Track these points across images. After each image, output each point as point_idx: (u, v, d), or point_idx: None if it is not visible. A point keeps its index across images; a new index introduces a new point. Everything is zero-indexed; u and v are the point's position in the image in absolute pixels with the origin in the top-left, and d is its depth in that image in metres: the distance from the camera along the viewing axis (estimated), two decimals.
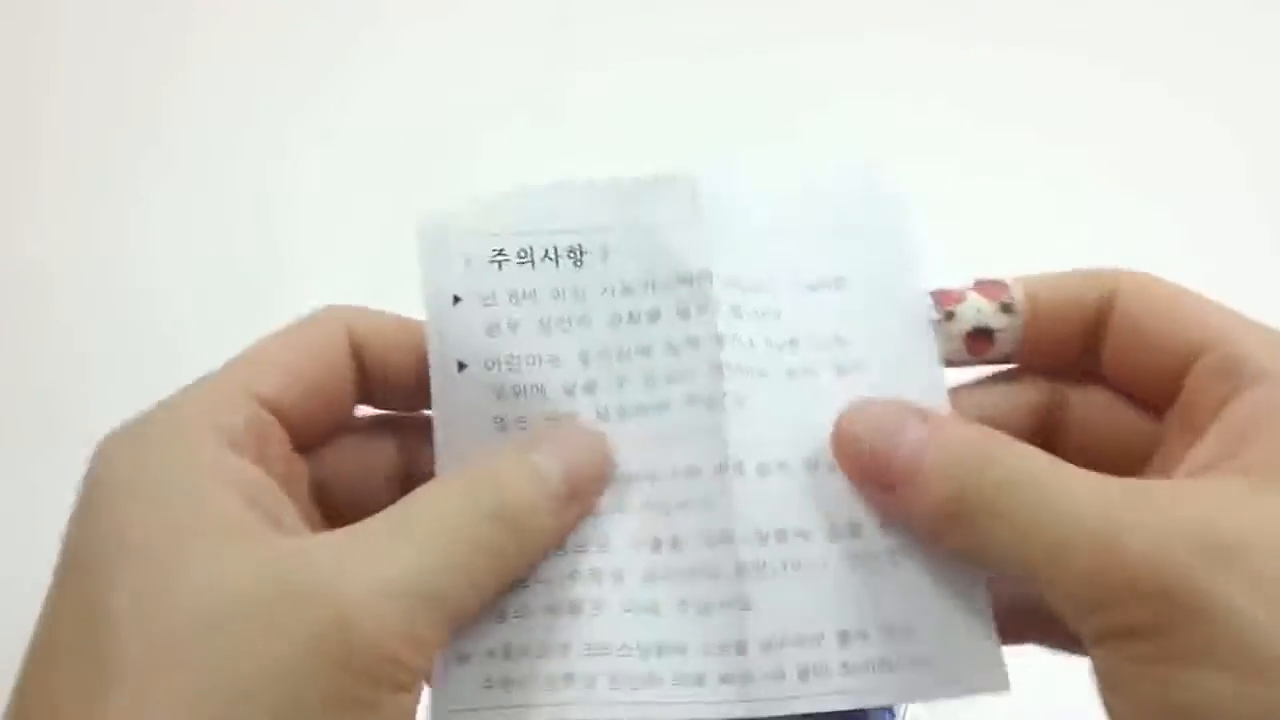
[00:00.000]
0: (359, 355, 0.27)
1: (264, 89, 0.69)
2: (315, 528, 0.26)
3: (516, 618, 0.26)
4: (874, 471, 0.25)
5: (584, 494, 0.26)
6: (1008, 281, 0.28)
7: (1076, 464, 0.24)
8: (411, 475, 0.28)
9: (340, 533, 0.23)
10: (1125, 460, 0.27)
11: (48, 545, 0.22)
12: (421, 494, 0.24)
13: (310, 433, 0.27)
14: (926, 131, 0.64)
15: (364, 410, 0.29)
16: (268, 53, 0.71)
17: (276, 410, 0.25)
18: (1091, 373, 0.28)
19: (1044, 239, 0.58)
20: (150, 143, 0.67)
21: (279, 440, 0.25)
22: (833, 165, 0.29)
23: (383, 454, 0.28)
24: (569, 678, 0.25)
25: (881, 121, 0.65)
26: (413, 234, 0.28)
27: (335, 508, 0.27)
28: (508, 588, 0.25)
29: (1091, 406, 0.28)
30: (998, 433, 0.24)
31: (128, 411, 0.24)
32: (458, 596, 0.23)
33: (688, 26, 0.70)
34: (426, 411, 0.28)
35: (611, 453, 0.27)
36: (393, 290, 0.27)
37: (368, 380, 0.27)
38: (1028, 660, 0.26)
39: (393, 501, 0.26)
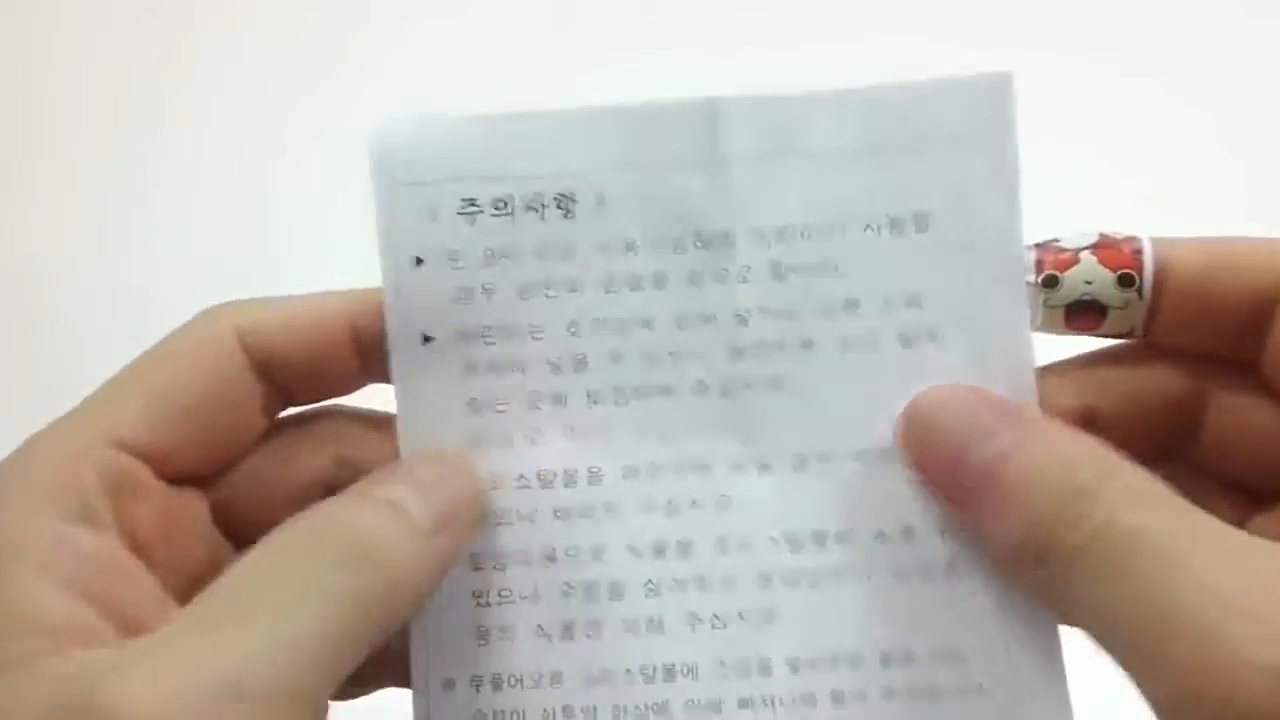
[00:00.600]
0: (259, 355, 0.23)
1: (264, 89, 0.69)
2: (218, 567, 0.22)
3: (502, 640, 0.23)
4: (940, 477, 0.21)
5: (453, 525, 0.22)
6: (1141, 243, 0.22)
7: (1207, 478, 0.21)
8: (348, 479, 0.23)
9: (165, 632, 0.19)
10: (1270, 482, 0.22)
11: None
12: (244, 563, 0.20)
13: (208, 459, 0.23)
14: None
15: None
16: (268, 52, 0.71)
17: (144, 452, 0.22)
18: (1242, 363, 0.22)
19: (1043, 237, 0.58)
20: (150, 143, 0.67)
21: (148, 489, 0.22)
22: (925, 79, 0.23)
23: (308, 460, 0.24)
24: (568, 711, 0.23)
25: None
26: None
27: (257, 532, 0.23)
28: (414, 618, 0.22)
29: (1237, 409, 0.22)
30: (1109, 455, 0.20)
31: None
32: (317, 682, 0.19)
33: (688, 26, 0.70)
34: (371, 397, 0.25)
35: (480, 481, 0.23)
36: None
37: (279, 380, 0.24)
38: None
39: None
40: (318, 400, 0.25)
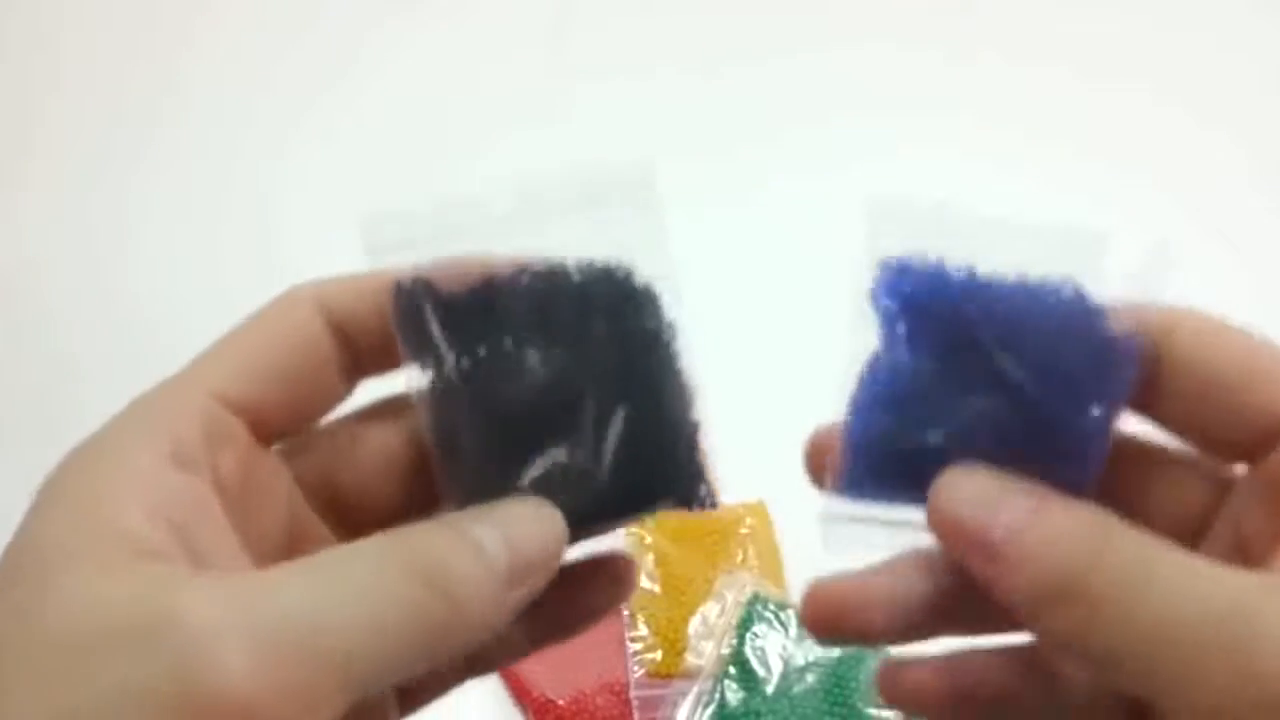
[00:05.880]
0: (341, 329, 0.25)
1: (262, 92, 0.69)
2: (299, 531, 0.25)
3: None
4: (973, 538, 0.23)
5: (527, 581, 0.23)
6: None
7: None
8: (422, 457, 0.26)
9: (241, 572, 0.22)
10: (1176, 533, 0.24)
11: None
12: (346, 545, 0.22)
13: (292, 423, 0.25)
14: (925, 139, 0.64)
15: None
16: (267, 57, 0.71)
17: (242, 408, 0.24)
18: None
19: None
20: (147, 145, 0.67)
21: (240, 443, 0.24)
22: None
23: (382, 435, 0.26)
24: None
25: (882, 127, 0.65)
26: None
27: (343, 501, 0.26)
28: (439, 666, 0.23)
29: (1144, 471, 0.25)
30: (1111, 516, 0.22)
31: None
32: (364, 656, 0.20)
33: (685, 38, 0.71)
34: None
35: (564, 532, 0.24)
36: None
37: (354, 343, 0.26)
38: None
39: (405, 488, 0.26)
40: (391, 366, 0.26)
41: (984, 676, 0.25)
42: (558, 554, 0.24)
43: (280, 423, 0.25)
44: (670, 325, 0.25)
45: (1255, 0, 0.71)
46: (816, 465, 0.26)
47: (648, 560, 0.51)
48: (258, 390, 0.24)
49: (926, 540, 0.24)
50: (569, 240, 0.25)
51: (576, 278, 0.25)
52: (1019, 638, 0.25)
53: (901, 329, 0.24)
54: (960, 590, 0.24)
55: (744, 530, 0.52)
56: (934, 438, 0.24)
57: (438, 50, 0.71)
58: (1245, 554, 0.23)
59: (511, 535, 0.23)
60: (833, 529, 0.25)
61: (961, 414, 0.24)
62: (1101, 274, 0.24)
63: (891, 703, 0.26)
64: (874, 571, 0.25)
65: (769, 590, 0.49)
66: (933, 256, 0.24)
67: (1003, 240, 0.24)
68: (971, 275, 0.24)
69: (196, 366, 0.24)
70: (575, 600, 0.26)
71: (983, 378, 0.24)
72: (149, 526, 0.21)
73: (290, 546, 0.25)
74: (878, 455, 0.25)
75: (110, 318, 0.60)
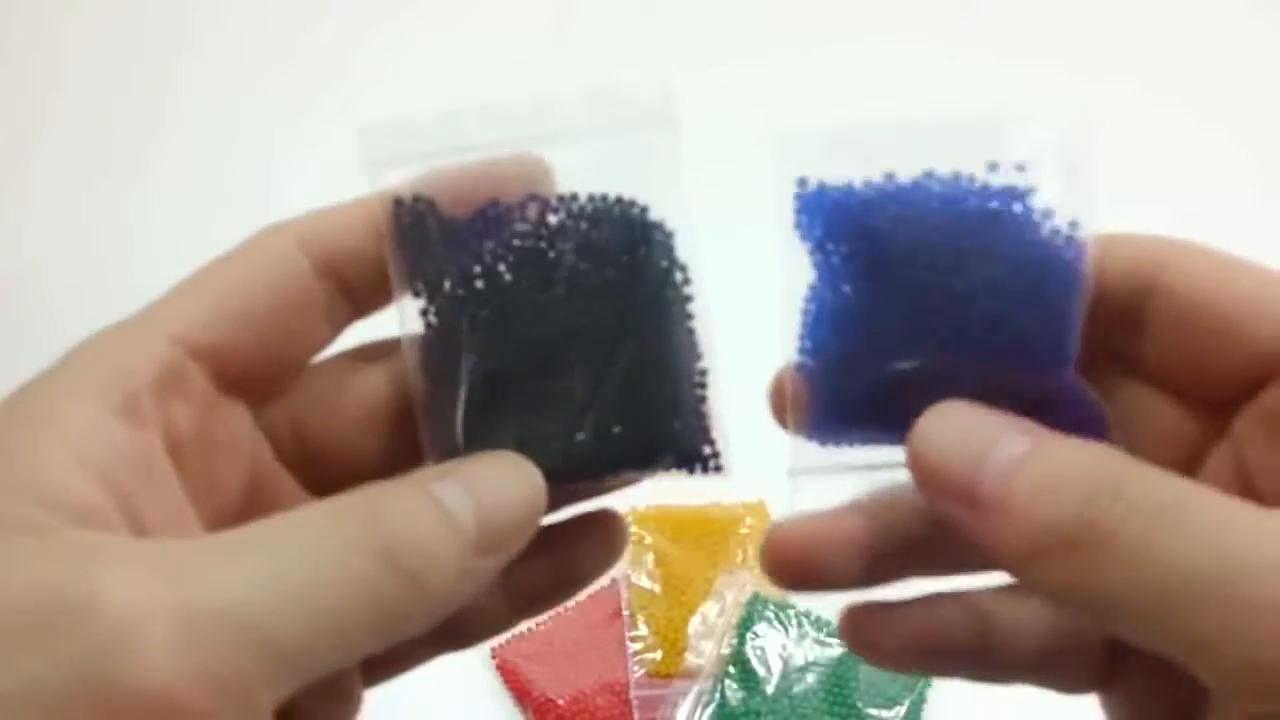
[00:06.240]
0: (320, 255, 0.22)
1: (262, 92, 0.69)
2: (263, 488, 0.23)
3: None
4: (957, 487, 0.20)
5: (499, 548, 0.20)
6: None
7: None
8: (406, 409, 0.23)
9: (176, 541, 0.19)
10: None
11: None
12: (294, 512, 0.20)
13: (267, 371, 0.23)
14: None
15: None
16: (266, 57, 0.71)
17: (205, 353, 0.21)
18: (1120, 362, 0.23)
19: None
20: (147, 145, 0.67)
21: (197, 392, 0.21)
22: None
23: (366, 384, 0.23)
24: None
25: None
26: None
27: (316, 455, 0.23)
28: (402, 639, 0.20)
29: (1125, 407, 0.23)
30: (1121, 453, 0.20)
31: None
32: (306, 644, 0.18)
33: (687, 35, 0.71)
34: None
35: (542, 491, 0.21)
36: None
37: (342, 279, 0.23)
38: None
39: (386, 442, 0.23)
40: (383, 304, 0.24)
41: (945, 627, 0.23)
42: (535, 516, 0.21)
43: (252, 370, 0.22)
44: (683, 266, 0.23)
45: (1255, 0, 0.71)
46: (780, 408, 0.23)
47: (648, 560, 0.51)
48: (226, 334, 0.22)
49: (904, 480, 0.21)
50: (581, 163, 0.23)
51: (588, 209, 0.23)
52: (988, 579, 0.23)
53: (833, 253, 0.23)
54: (932, 531, 0.22)
55: (744, 530, 0.52)
56: (891, 358, 0.22)
57: (438, 50, 0.71)
58: (1253, 494, 0.21)
59: (482, 496, 0.20)
60: (802, 484, 0.23)
61: (914, 329, 0.22)
62: (1018, 153, 0.23)
63: (856, 652, 0.23)
64: (839, 512, 0.23)
65: (769, 590, 0.49)
66: (846, 175, 0.23)
67: (914, 143, 0.23)
68: (889, 184, 0.22)
69: (155, 308, 0.22)
70: (560, 566, 0.24)
71: (926, 287, 0.22)
72: (85, 487, 0.19)
73: (251, 505, 0.22)
74: (839, 388, 0.22)
75: (110, 318, 0.60)
